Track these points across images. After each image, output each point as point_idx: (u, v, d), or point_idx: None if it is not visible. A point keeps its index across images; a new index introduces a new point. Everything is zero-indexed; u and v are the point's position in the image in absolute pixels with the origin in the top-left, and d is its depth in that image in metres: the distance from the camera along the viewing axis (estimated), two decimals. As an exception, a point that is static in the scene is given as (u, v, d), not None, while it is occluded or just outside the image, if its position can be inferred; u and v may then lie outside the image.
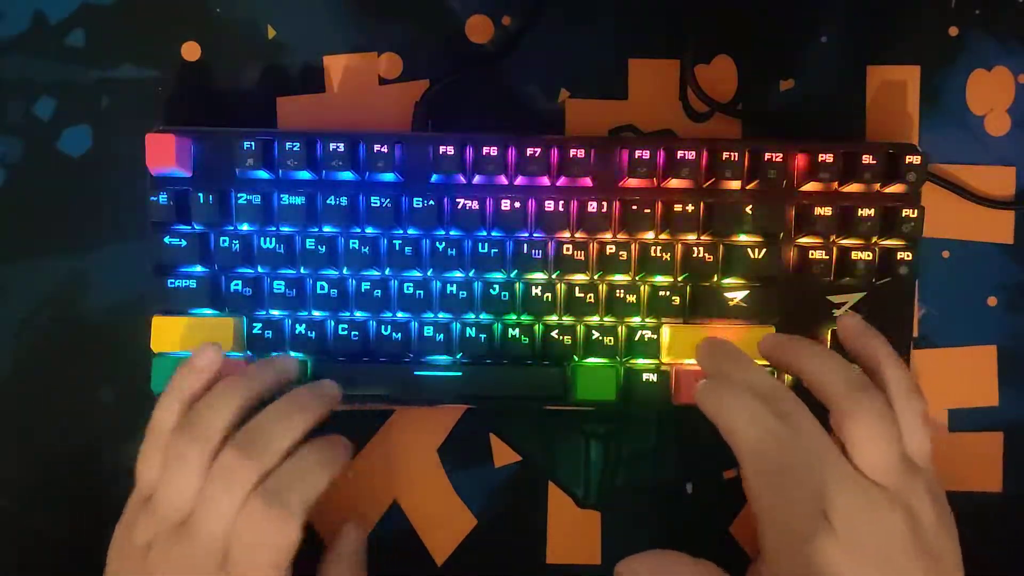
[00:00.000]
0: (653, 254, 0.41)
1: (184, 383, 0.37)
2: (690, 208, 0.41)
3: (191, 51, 0.45)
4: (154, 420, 0.37)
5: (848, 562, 0.32)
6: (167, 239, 0.41)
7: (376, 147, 0.41)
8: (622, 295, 0.41)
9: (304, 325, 0.41)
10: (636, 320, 0.42)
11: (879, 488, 0.33)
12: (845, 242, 0.42)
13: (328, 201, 0.41)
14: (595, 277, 0.42)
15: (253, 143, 0.40)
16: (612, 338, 0.41)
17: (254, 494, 0.34)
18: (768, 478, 0.34)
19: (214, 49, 0.45)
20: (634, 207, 0.41)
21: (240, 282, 0.41)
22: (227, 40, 0.45)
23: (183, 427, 0.36)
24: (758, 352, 0.39)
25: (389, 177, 0.41)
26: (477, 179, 0.42)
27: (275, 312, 0.42)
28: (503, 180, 0.42)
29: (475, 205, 0.41)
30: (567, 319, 0.42)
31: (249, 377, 0.38)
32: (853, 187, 0.42)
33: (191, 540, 0.34)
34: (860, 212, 0.41)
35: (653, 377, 0.41)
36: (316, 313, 0.42)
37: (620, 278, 0.42)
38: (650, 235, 0.42)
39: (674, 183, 0.42)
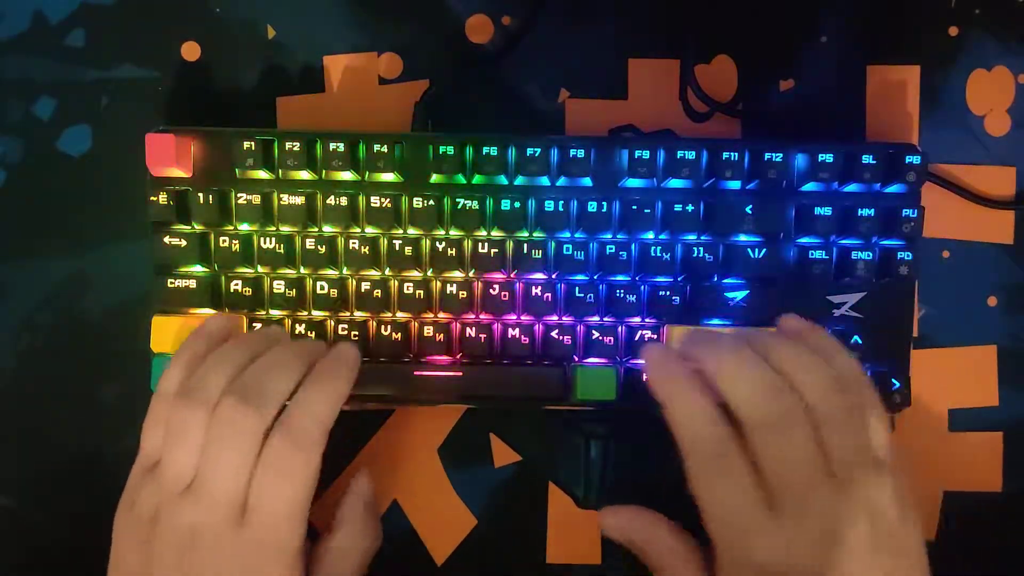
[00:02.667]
0: (653, 254, 0.41)
1: (190, 349, 0.37)
2: (690, 208, 0.41)
3: (191, 51, 0.45)
4: (159, 386, 0.37)
5: (793, 555, 0.32)
6: (167, 239, 0.41)
7: (376, 147, 0.41)
8: (622, 295, 0.41)
9: (304, 325, 0.41)
10: (636, 320, 0.42)
11: (830, 478, 0.32)
12: (845, 242, 0.42)
13: (328, 201, 0.41)
14: (595, 277, 0.42)
15: (253, 143, 0.40)
16: (612, 338, 0.41)
17: (273, 435, 0.33)
18: (706, 477, 0.34)
19: (214, 49, 0.45)
20: (634, 207, 0.41)
21: (240, 282, 0.41)
22: (227, 40, 0.45)
23: (184, 391, 0.35)
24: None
25: (389, 177, 0.41)
26: (477, 179, 0.42)
27: (275, 312, 0.42)
28: (503, 180, 0.42)
29: (475, 205, 0.41)
30: (567, 319, 0.42)
31: (248, 339, 0.37)
32: (853, 187, 0.42)
33: (200, 501, 0.33)
34: (860, 212, 0.41)
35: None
36: (316, 313, 0.42)
37: (620, 278, 0.42)
38: (650, 235, 0.42)
39: (674, 183, 0.42)
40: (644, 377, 0.36)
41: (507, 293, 0.41)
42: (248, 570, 0.33)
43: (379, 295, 0.41)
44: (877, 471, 0.33)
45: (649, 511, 0.38)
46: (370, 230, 0.42)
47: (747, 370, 0.34)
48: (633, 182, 0.42)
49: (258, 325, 0.41)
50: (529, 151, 0.41)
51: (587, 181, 0.42)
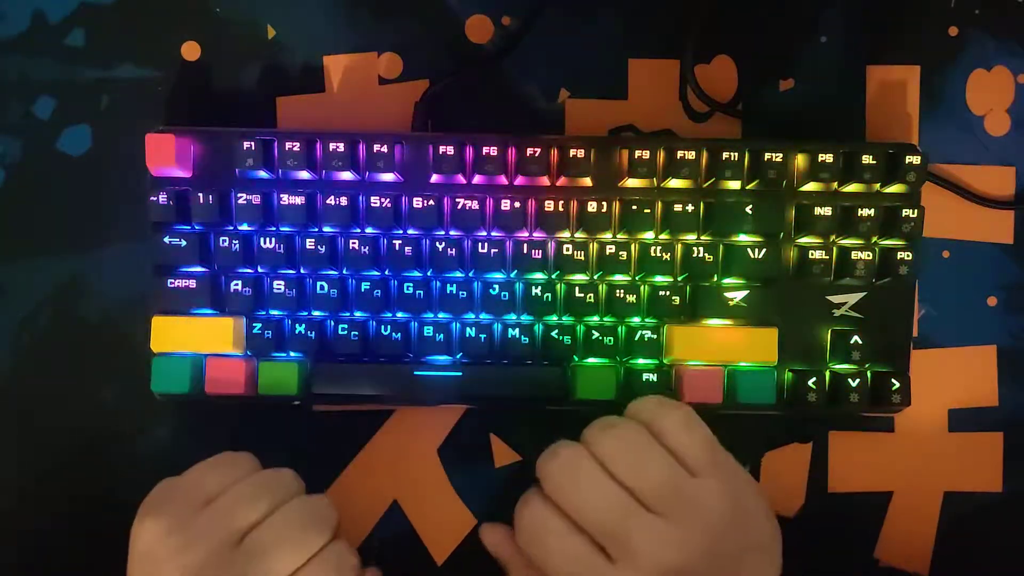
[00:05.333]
0: (653, 254, 0.41)
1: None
2: (690, 208, 0.41)
3: (191, 51, 0.45)
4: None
5: None
6: (167, 239, 0.41)
7: (376, 147, 0.41)
8: (622, 295, 0.41)
9: (304, 325, 0.41)
10: (636, 320, 0.42)
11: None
12: (845, 242, 0.42)
13: (328, 201, 0.41)
14: (595, 277, 0.42)
15: (253, 143, 0.40)
16: (612, 338, 0.41)
17: None
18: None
19: (214, 49, 0.45)
20: (634, 207, 0.41)
21: (240, 282, 0.41)
22: (227, 40, 0.45)
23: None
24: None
25: (389, 177, 0.41)
26: (477, 179, 0.42)
27: (275, 312, 0.42)
28: (503, 180, 0.42)
29: (475, 205, 0.41)
30: (567, 319, 0.42)
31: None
32: (853, 187, 0.42)
33: None
34: (860, 212, 0.41)
35: (653, 377, 0.41)
36: (316, 313, 0.42)
37: (620, 278, 0.42)
38: (650, 235, 0.42)
39: (674, 183, 0.42)
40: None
41: (507, 293, 0.41)
42: None
43: (379, 295, 0.41)
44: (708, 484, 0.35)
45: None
46: (370, 230, 0.42)
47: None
48: (633, 182, 0.42)
49: (258, 325, 0.41)
50: (529, 151, 0.41)
51: (587, 181, 0.42)
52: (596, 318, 0.42)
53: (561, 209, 0.41)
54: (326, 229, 0.42)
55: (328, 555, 0.36)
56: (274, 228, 0.42)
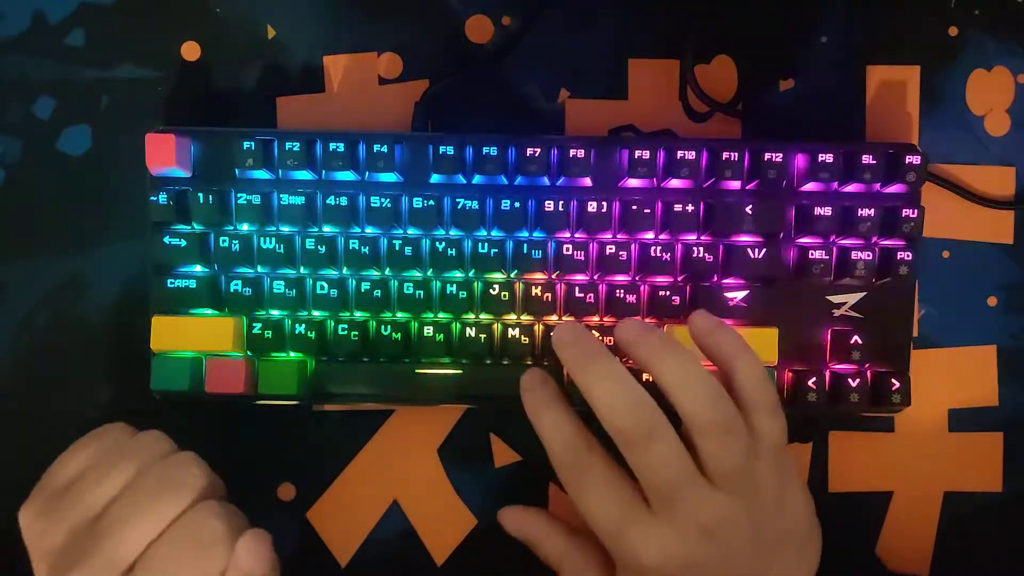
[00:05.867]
0: (653, 254, 0.41)
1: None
2: (690, 208, 0.41)
3: (191, 51, 0.45)
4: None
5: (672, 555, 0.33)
6: (167, 239, 0.41)
7: (376, 147, 0.41)
8: (622, 295, 0.41)
9: (304, 325, 0.41)
10: (636, 320, 0.42)
11: (710, 488, 0.34)
12: (845, 242, 0.42)
13: (328, 201, 0.41)
14: (595, 277, 0.42)
15: (253, 143, 0.40)
16: (612, 338, 0.41)
17: None
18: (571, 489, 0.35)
19: (214, 49, 0.45)
20: (634, 207, 0.41)
21: (240, 282, 0.41)
22: (227, 40, 0.45)
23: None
24: (615, 339, 0.37)
25: (389, 177, 0.41)
26: (477, 179, 0.42)
27: (275, 312, 0.42)
28: (503, 180, 0.42)
29: (475, 205, 0.41)
30: (567, 319, 0.42)
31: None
32: (853, 187, 0.42)
33: None
34: (860, 212, 0.41)
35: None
36: (316, 313, 0.42)
37: (620, 278, 0.42)
38: (650, 235, 0.42)
39: (674, 183, 0.42)
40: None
41: (507, 293, 0.41)
42: None
43: (379, 295, 0.41)
44: (768, 463, 0.34)
45: (544, 513, 0.41)
46: (370, 230, 0.42)
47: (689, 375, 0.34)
48: (633, 182, 0.42)
49: (258, 325, 0.41)
50: (529, 151, 0.41)
51: (587, 181, 0.42)
52: (596, 318, 0.42)
53: (561, 209, 0.41)
54: (326, 229, 0.42)
55: (183, 526, 0.33)
56: (274, 228, 0.42)
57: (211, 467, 0.36)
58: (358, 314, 0.42)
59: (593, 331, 0.41)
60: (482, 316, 0.42)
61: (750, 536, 0.34)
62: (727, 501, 0.33)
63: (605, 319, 0.42)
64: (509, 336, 0.41)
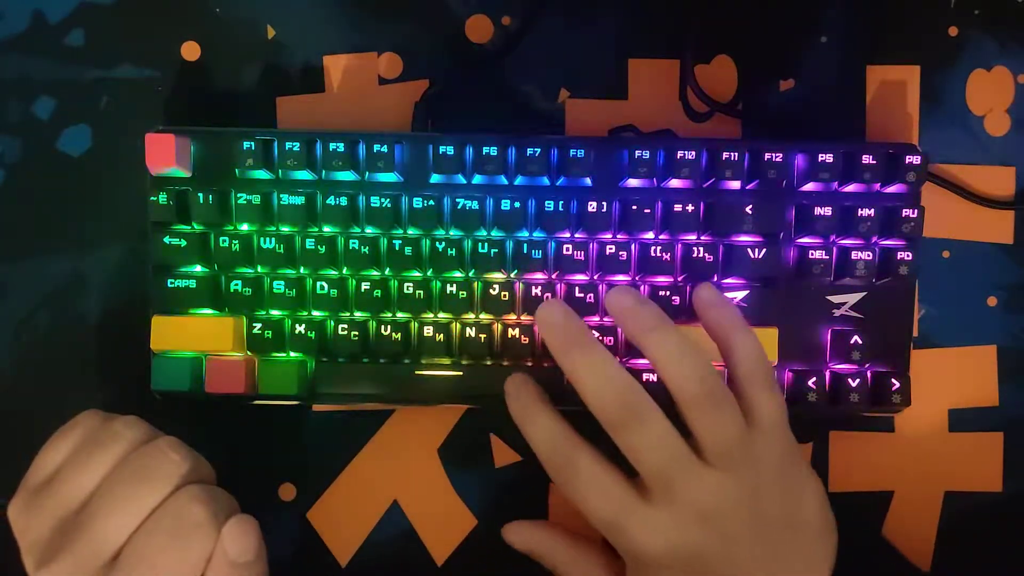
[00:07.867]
0: (653, 254, 0.41)
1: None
2: (690, 208, 0.41)
3: (191, 51, 0.45)
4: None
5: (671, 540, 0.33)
6: (167, 239, 0.41)
7: (376, 147, 0.41)
8: (622, 295, 0.41)
9: (304, 325, 0.41)
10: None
11: (708, 469, 0.34)
12: (845, 242, 0.42)
13: (328, 201, 0.41)
14: (595, 277, 0.42)
15: (253, 143, 0.40)
16: (612, 338, 0.41)
17: None
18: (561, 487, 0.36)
19: (214, 49, 0.45)
20: (634, 207, 0.41)
21: (240, 282, 0.41)
22: (227, 40, 0.45)
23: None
24: (607, 305, 0.37)
25: (389, 177, 0.41)
26: (477, 179, 0.42)
27: (275, 312, 0.42)
28: (503, 180, 0.42)
29: (475, 205, 0.41)
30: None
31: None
32: (853, 187, 0.42)
33: None
34: (860, 212, 0.41)
35: (653, 377, 0.41)
36: (316, 313, 0.42)
37: (620, 278, 0.42)
38: (650, 235, 0.42)
39: (674, 183, 0.42)
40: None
41: (507, 293, 0.41)
42: None
43: (379, 295, 0.41)
44: (768, 441, 0.34)
45: (547, 525, 0.42)
46: (370, 230, 0.42)
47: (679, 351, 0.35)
48: (633, 182, 0.42)
49: (258, 325, 0.41)
50: (529, 151, 0.41)
51: (587, 181, 0.42)
52: (596, 318, 0.42)
53: (561, 209, 0.41)
54: (326, 229, 0.42)
55: (163, 513, 0.32)
56: (274, 228, 0.42)
57: (212, 469, 0.36)
58: (358, 314, 0.42)
59: (594, 333, 0.41)
60: (482, 316, 0.42)
61: (749, 518, 0.33)
62: (723, 479, 0.33)
63: (605, 319, 0.42)
64: (509, 336, 0.41)
